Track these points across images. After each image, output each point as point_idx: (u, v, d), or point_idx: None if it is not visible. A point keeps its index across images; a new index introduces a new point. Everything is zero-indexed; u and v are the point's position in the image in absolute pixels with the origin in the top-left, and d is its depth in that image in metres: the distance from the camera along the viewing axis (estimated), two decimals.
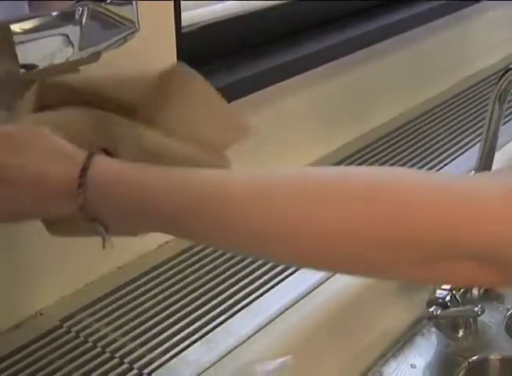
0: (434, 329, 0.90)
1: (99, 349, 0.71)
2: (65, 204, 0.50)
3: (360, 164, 1.05)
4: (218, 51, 0.93)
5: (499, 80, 0.78)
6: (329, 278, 0.84)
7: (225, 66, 0.91)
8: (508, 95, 0.79)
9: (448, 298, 0.85)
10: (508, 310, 0.95)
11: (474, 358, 0.87)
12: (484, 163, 0.82)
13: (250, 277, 0.83)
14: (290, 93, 0.99)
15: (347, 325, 0.84)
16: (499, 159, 0.87)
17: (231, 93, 0.84)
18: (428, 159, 1.09)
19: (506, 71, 0.78)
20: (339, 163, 1.06)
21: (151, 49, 0.73)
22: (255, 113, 0.93)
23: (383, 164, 1.07)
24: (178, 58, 0.80)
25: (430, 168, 1.05)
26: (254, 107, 0.92)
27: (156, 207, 0.49)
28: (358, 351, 0.85)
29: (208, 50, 0.91)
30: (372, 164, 1.06)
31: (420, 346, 0.89)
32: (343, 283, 0.84)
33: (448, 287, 0.86)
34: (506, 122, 1.17)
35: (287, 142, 1.01)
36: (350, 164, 1.05)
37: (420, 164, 1.07)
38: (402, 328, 0.90)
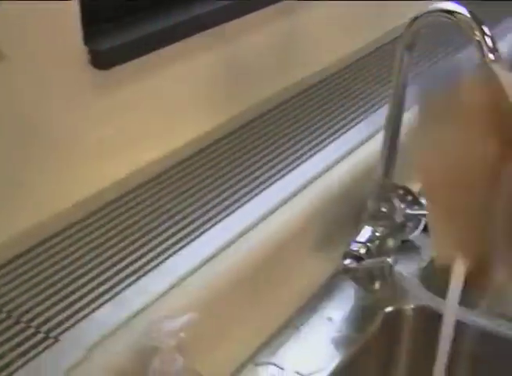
0: (351, 282, 0.91)
1: (3, 315, 0.69)
2: None
3: (252, 134, 1.03)
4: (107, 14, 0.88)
5: (406, 29, 0.78)
6: (243, 235, 0.83)
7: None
8: (415, 44, 0.79)
9: (363, 250, 0.85)
10: (424, 261, 0.96)
11: (389, 309, 0.87)
12: (395, 116, 0.82)
13: (163, 236, 0.81)
14: (168, 63, 0.94)
15: (262, 281, 0.84)
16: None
17: (111, 59, 0.82)
18: (333, 122, 1.08)
19: (414, 19, 0.78)
20: (216, 142, 1.01)
21: None
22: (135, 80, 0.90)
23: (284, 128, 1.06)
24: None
25: (335, 132, 1.04)
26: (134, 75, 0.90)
27: None
28: (274, 307, 0.84)
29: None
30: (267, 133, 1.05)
31: (337, 299, 0.89)
32: (257, 239, 0.83)
33: (363, 239, 0.86)
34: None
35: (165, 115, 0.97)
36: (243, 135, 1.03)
37: (325, 127, 1.06)
38: (320, 282, 0.90)
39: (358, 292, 0.90)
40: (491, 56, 0.70)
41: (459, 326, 0.85)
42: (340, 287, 0.90)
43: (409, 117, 1.07)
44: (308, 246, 0.90)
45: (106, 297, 0.72)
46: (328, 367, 0.79)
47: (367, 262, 0.85)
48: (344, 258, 0.85)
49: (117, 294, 0.72)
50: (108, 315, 0.70)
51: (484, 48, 0.70)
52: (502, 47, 1.01)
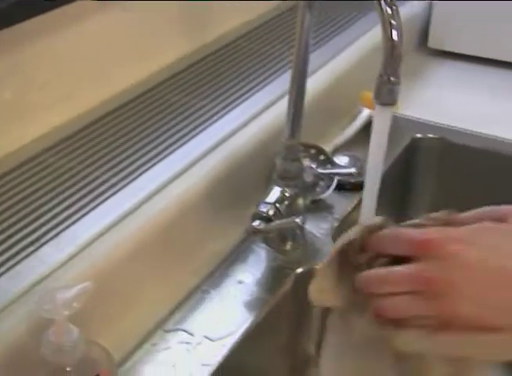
0: (262, 244, 0.90)
1: None
2: None
3: (156, 100, 1.00)
4: None
5: None
6: (148, 199, 0.81)
7: None
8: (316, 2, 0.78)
9: (271, 211, 0.84)
10: (336, 220, 0.96)
11: (300, 269, 0.87)
12: (299, 76, 0.80)
13: (63, 205, 0.78)
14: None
15: (170, 247, 0.82)
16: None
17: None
18: (242, 84, 1.06)
19: None
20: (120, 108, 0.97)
21: None
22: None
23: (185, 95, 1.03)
24: None
25: (244, 93, 1.02)
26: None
27: None
28: (183, 272, 0.83)
29: None
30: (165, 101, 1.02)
31: (248, 262, 0.88)
32: (163, 204, 0.81)
33: (272, 200, 0.85)
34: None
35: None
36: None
37: (234, 89, 1.04)
38: (230, 245, 0.89)
39: (270, 254, 0.89)
40: (389, 10, 0.68)
41: None
42: (251, 249, 0.90)
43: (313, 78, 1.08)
44: (217, 209, 0.89)
45: (3, 269, 0.69)
46: (238, 331, 0.78)
47: (276, 223, 0.84)
48: (253, 219, 0.83)
49: (12, 266, 0.70)
50: (2, 289, 0.67)
51: (382, 3, 0.68)
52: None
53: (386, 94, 0.67)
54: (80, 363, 0.59)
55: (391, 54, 0.66)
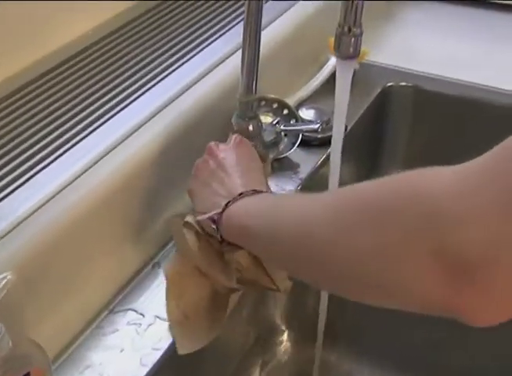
0: None
1: None
2: None
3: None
4: None
5: None
6: (94, 163, 0.73)
7: None
8: None
9: None
10: (302, 179, 0.89)
11: None
12: (251, 30, 0.72)
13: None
14: None
15: (117, 217, 0.75)
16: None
17: None
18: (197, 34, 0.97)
19: None
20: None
21: None
22: None
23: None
24: None
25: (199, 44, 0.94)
26: None
27: None
28: (133, 245, 0.76)
29: None
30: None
31: None
32: (109, 168, 0.74)
33: None
34: None
35: None
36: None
37: (188, 40, 0.95)
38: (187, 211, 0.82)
39: None
40: None
41: None
42: None
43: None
44: (171, 173, 0.81)
45: None
46: None
47: None
48: None
49: None
50: None
51: None
52: None
53: (347, 46, 0.60)
54: (6, 361, 0.53)
55: (351, 0, 0.58)
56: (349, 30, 0.58)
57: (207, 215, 0.67)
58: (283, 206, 0.62)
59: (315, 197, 0.57)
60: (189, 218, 0.70)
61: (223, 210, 0.65)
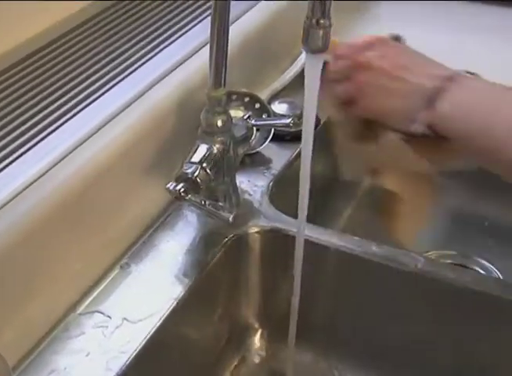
0: (191, 208, 0.81)
1: None
2: None
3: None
4: None
5: None
6: (60, 160, 0.71)
7: None
8: None
9: (197, 171, 0.75)
10: (274, 176, 0.87)
11: (234, 232, 0.79)
12: (219, 22, 0.70)
13: None
14: None
15: (84, 215, 0.73)
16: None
17: None
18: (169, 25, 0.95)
19: None
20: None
21: None
22: None
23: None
24: None
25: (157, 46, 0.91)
26: None
27: None
28: (100, 245, 0.74)
29: None
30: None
31: (176, 229, 0.79)
32: (75, 165, 0.71)
33: (197, 159, 0.76)
34: None
35: None
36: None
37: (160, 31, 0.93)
38: (155, 211, 0.80)
39: (199, 218, 0.80)
40: None
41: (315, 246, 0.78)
42: (179, 214, 0.81)
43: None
44: (139, 170, 0.79)
45: None
46: (163, 309, 0.70)
47: (203, 185, 0.74)
48: (177, 181, 0.74)
49: None
50: None
51: None
52: None
53: (315, 39, 0.58)
54: None
55: None
56: (317, 22, 0.56)
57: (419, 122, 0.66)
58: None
59: None
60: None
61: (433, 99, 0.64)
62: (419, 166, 0.75)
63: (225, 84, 0.74)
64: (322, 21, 0.57)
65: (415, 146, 0.71)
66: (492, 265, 0.99)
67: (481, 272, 0.98)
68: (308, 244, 0.74)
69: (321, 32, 0.57)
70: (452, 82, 0.65)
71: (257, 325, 0.86)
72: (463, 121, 0.64)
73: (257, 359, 0.85)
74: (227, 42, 0.71)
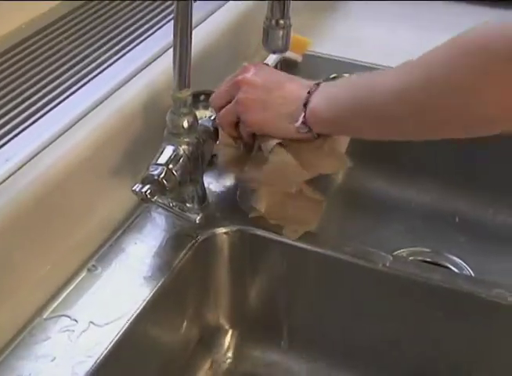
0: (159, 209, 0.81)
1: None
2: None
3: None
4: None
5: None
6: (23, 164, 0.71)
7: None
8: None
9: (163, 174, 0.74)
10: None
11: (203, 234, 0.78)
12: (182, 23, 0.70)
13: None
14: None
15: (49, 218, 0.72)
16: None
17: None
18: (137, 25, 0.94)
19: None
20: None
21: None
22: None
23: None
24: None
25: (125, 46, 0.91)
26: None
27: None
28: (66, 248, 0.73)
29: None
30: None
31: (143, 231, 0.79)
32: (40, 168, 0.71)
33: (163, 160, 0.75)
34: None
35: None
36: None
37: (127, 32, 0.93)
38: (122, 214, 0.80)
39: (168, 220, 0.80)
40: None
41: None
42: (146, 216, 0.80)
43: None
44: (106, 172, 0.79)
45: None
46: (131, 312, 0.69)
47: (170, 186, 0.74)
48: (143, 183, 0.74)
49: None
50: None
51: None
52: None
53: (275, 40, 0.58)
54: None
55: None
56: (277, 23, 0.56)
57: (299, 122, 0.70)
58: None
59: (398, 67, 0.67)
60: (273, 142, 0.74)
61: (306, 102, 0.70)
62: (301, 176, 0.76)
63: (189, 85, 0.74)
64: (281, 21, 0.57)
65: (293, 151, 0.74)
66: (464, 261, 1.00)
67: (453, 269, 0.98)
68: (274, 243, 0.74)
69: (281, 32, 0.57)
70: (319, 85, 0.71)
71: (227, 326, 0.85)
72: (333, 110, 0.69)
73: (229, 359, 0.85)
74: (190, 43, 0.70)
